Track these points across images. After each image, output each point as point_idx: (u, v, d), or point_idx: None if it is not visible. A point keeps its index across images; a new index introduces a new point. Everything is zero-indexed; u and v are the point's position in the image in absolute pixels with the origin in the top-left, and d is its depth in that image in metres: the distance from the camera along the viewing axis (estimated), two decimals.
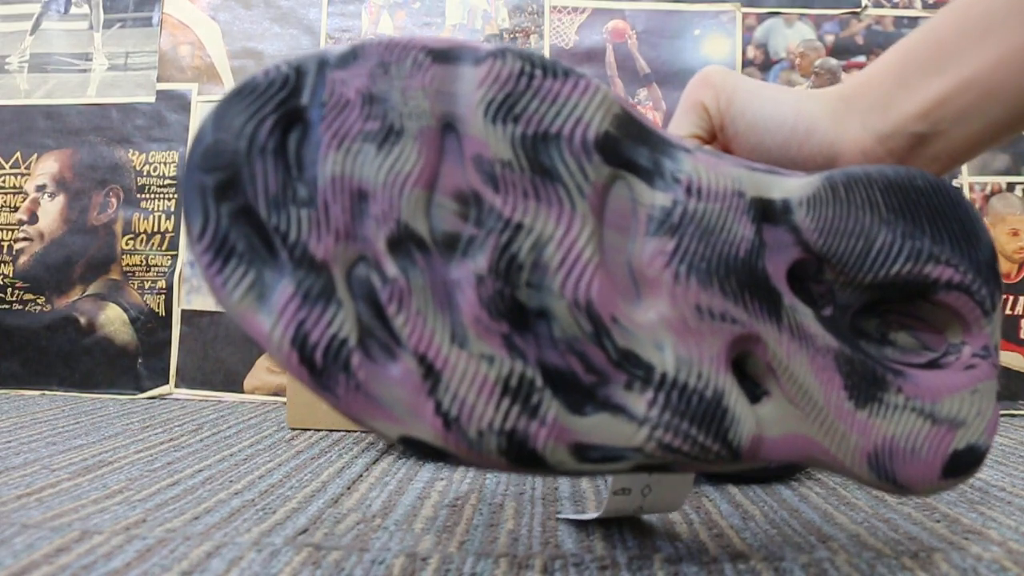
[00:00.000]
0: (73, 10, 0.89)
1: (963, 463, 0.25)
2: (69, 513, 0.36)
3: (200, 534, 0.33)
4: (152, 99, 0.87)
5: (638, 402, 0.23)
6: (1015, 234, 0.82)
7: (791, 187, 0.25)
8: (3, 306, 0.85)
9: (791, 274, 0.25)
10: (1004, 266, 0.82)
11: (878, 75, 0.28)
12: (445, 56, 0.24)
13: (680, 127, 0.31)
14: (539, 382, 0.23)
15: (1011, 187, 0.83)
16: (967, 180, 0.83)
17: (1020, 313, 0.81)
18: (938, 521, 0.38)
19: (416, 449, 0.23)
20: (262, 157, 0.23)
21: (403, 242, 0.23)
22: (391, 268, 0.23)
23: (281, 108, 0.23)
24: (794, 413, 0.24)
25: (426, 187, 0.23)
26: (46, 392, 0.82)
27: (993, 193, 0.83)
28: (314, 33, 0.87)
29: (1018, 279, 0.81)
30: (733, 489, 0.44)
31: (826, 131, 0.28)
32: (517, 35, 0.87)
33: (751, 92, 0.29)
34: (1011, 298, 0.81)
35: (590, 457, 0.23)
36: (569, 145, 0.23)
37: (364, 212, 0.23)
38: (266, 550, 0.31)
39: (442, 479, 0.45)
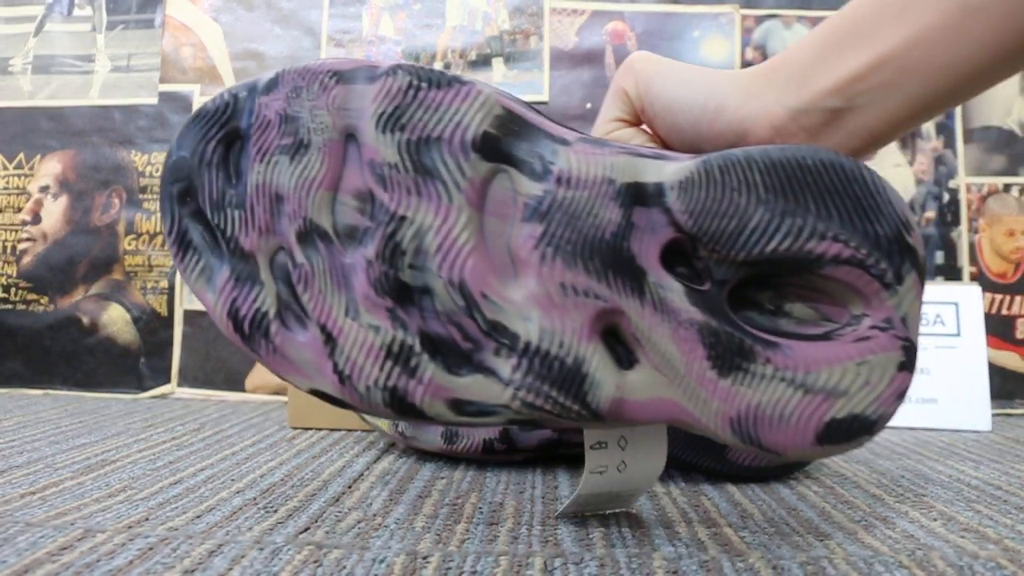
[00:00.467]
0: (76, 12, 0.89)
1: (843, 431, 0.26)
2: (72, 512, 0.36)
3: (202, 533, 0.33)
4: (154, 100, 0.87)
5: (504, 366, 0.27)
6: (1011, 234, 0.82)
7: (668, 171, 0.26)
8: (6, 306, 0.85)
9: (675, 251, 0.27)
10: (1000, 266, 0.82)
11: (796, 52, 0.27)
12: (346, 77, 0.28)
13: (607, 113, 0.32)
14: (417, 347, 0.27)
15: (1008, 188, 0.83)
16: (964, 181, 0.83)
17: (1017, 313, 0.81)
18: (935, 519, 0.38)
19: (323, 399, 0.29)
20: (209, 170, 0.29)
21: (309, 234, 0.28)
22: (299, 256, 0.28)
23: (223, 129, 0.29)
24: (660, 379, 0.27)
25: (329, 188, 0.28)
26: (49, 391, 0.82)
27: (990, 194, 0.83)
28: (315, 35, 0.88)
29: (1015, 279, 0.82)
30: (732, 488, 0.44)
31: (736, 108, 0.28)
32: (517, 36, 0.87)
33: (666, 75, 0.30)
34: (1008, 298, 0.81)
35: (467, 411, 0.27)
36: (448, 147, 0.27)
37: (280, 212, 0.28)
38: (268, 548, 0.31)
39: (442, 478, 0.45)
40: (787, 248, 0.26)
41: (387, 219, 0.27)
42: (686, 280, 0.27)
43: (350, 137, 0.28)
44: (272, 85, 0.29)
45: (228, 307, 0.29)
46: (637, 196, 0.26)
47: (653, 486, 0.33)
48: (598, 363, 0.27)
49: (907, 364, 0.26)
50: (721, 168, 0.26)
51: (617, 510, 0.34)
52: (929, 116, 0.27)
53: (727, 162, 0.26)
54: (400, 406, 0.28)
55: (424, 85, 0.27)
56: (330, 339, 0.28)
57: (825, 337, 0.26)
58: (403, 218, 0.27)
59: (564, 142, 0.27)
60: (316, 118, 0.28)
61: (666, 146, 0.31)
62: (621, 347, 0.27)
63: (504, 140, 0.27)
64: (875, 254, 0.25)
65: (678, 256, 0.27)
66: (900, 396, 0.26)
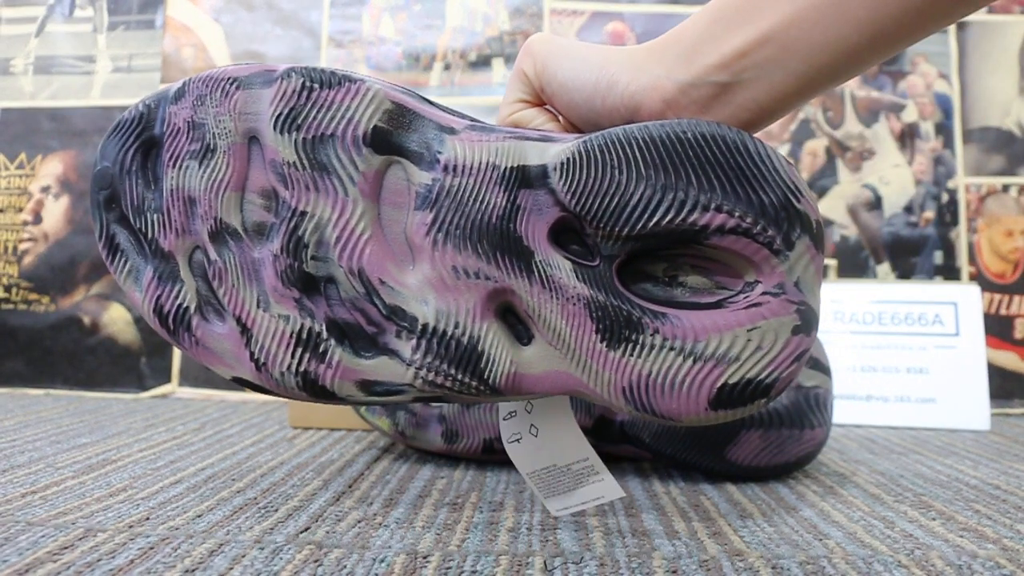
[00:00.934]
0: (77, 13, 0.90)
1: (736, 396, 0.26)
2: (73, 511, 0.36)
3: (203, 532, 0.33)
4: None
5: (406, 347, 0.28)
6: (1010, 235, 0.82)
7: (551, 153, 0.27)
8: (8, 306, 0.85)
9: (566, 230, 0.28)
10: (999, 266, 0.82)
11: (686, 28, 0.28)
12: (245, 82, 0.29)
13: (509, 95, 0.33)
14: (324, 334, 0.29)
15: (1006, 188, 0.83)
16: (963, 181, 0.83)
17: (1015, 313, 0.81)
18: (934, 519, 0.38)
19: (244, 386, 0.30)
20: (129, 177, 0.31)
21: (220, 233, 0.30)
22: (213, 254, 0.30)
23: (139, 138, 0.31)
24: (554, 353, 0.28)
25: (236, 189, 0.30)
26: (50, 391, 0.82)
27: (989, 194, 0.83)
28: (316, 35, 0.88)
29: (1013, 279, 0.82)
30: (731, 487, 0.44)
31: (627, 83, 0.28)
32: (517, 37, 0.87)
33: (562, 54, 0.30)
34: (1007, 298, 0.81)
35: (375, 391, 0.29)
36: (341, 143, 0.28)
37: (194, 213, 0.30)
38: (268, 548, 0.32)
39: (442, 478, 0.45)
40: (670, 221, 0.26)
41: (289, 215, 0.29)
42: (579, 257, 0.28)
43: (253, 139, 0.29)
44: (180, 94, 0.30)
45: (153, 304, 0.31)
46: (522, 179, 0.27)
47: (586, 453, 0.33)
48: (493, 340, 0.28)
49: (803, 327, 0.26)
50: (600, 147, 0.27)
51: (600, 498, 0.34)
52: (815, 92, 0.28)
53: (606, 141, 0.27)
54: (313, 389, 0.29)
55: (316, 86, 0.28)
56: (245, 330, 0.30)
57: (717, 305, 0.27)
58: (304, 213, 0.28)
59: (451, 131, 0.28)
60: (220, 123, 0.30)
61: (570, 125, 0.32)
62: (520, 325, 0.28)
63: (395, 133, 0.28)
64: (761, 221, 0.26)
65: (571, 234, 0.28)
66: (798, 359, 0.26)
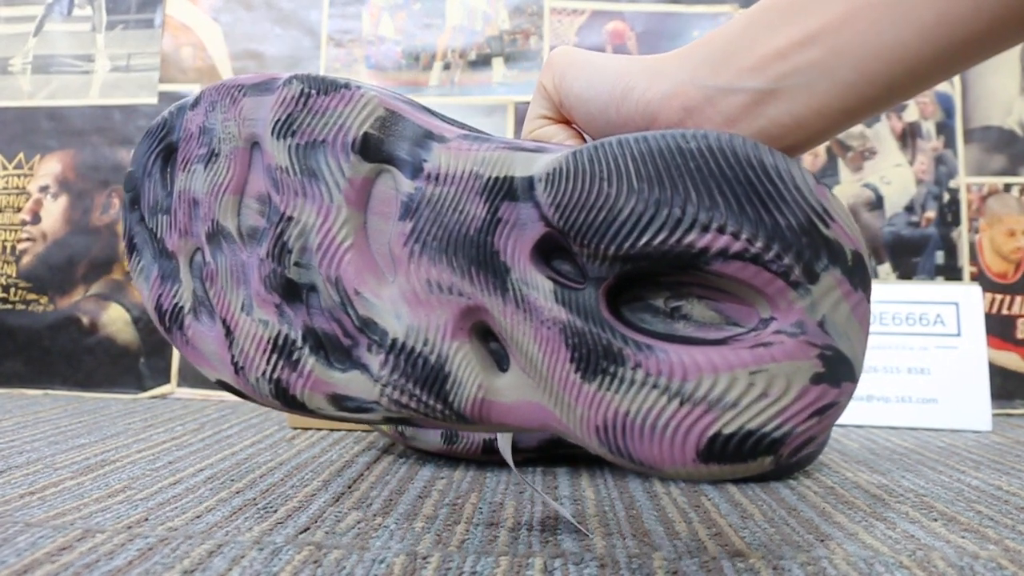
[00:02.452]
0: (76, 12, 0.89)
1: (733, 449, 0.23)
2: (71, 512, 0.36)
3: (202, 533, 0.33)
4: (154, 100, 0.87)
5: (375, 362, 0.27)
6: (1012, 234, 0.82)
7: (539, 164, 0.25)
8: (6, 306, 0.85)
9: (557, 248, 0.25)
10: (1001, 266, 0.82)
11: (720, 32, 0.25)
12: (252, 89, 0.30)
13: (532, 111, 0.31)
14: (299, 342, 0.28)
15: (1008, 188, 0.83)
16: (964, 181, 0.83)
17: (1017, 313, 0.81)
18: (935, 520, 0.38)
19: (226, 389, 0.30)
20: (150, 179, 0.33)
21: (215, 235, 0.30)
22: (208, 255, 0.30)
23: (161, 144, 0.32)
24: (527, 381, 0.26)
25: (235, 193, 0.30)
26: (49, 391, 0.82)
27: (990, 194, 0.83)
28: (315, 35, 0.88)
29: (1015, 279, 0.82)
30: (732, 488, 0.44)
31: (644, 89, 0.26)
32: (517, 36, 0.87)
33: (581, 65, 0.28)
34: (1008, 298, 0.81)
35: (346, 407, 0.28)
36: (331, 149, 0.28)
37: (196, 215, 0.31)
38: (267, 549, 0.31)
39: (442, 478, 0.45)
40: (662, 241, 0.23)
41: (277, 219, 0.29)
42: (568, 278, 0.25)
43: (255, 145, 0.30)
44: (196, 101, 0.31)
45: (155, 301, 0.32)
46: (507, 191, 0.25)
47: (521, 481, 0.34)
48: (462, 362, 0.26)
49: (827, 376, 0.22)
50: (591, 157, 0.24)
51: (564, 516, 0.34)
52: (862, 113, 0.24)
53: (599, 150, 0.24)
54: (284, 398, 0.29)
55: (313, 92, 0.28)
56: (229, 332, 0.30)
57: (720, 342, 0.23)
58: (290, 218, 0.28)
59: (441, 139, 0.27)
60: (226, 128, 0.30)
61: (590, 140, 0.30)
62: (501, 349, 0.26)
63: (386, 140, 0.28)
64: (775, 247, 0.22)
65: (562, 253, 0.25)
66: (819, 413, 0.22)
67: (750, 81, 0.24)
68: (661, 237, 0.23)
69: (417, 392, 0.26)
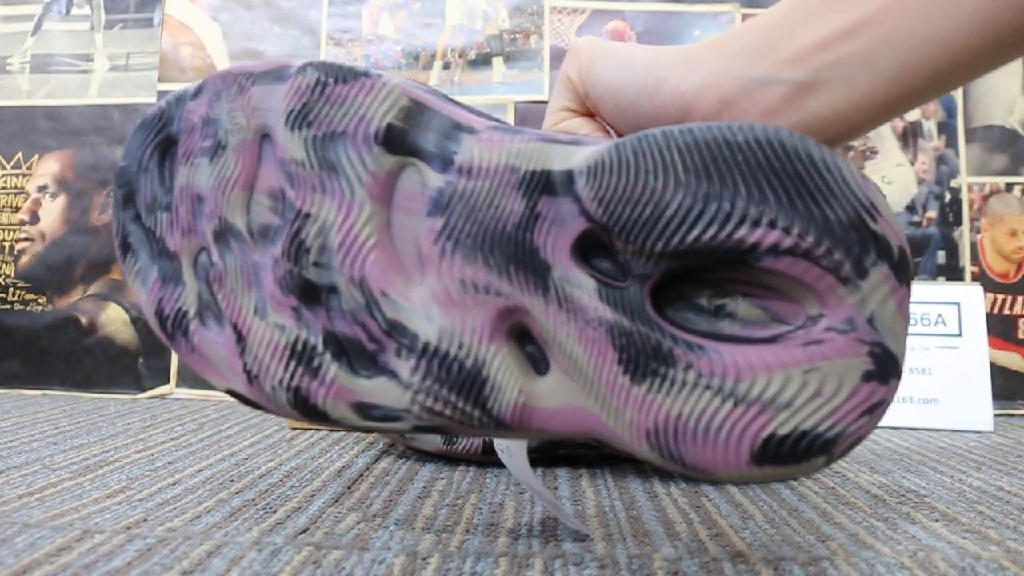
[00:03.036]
0: (74, 11, 0.89)
1: (788, 450, 0.22)
2: (70, 512, 0.36)
3: (201, 533, 0.33)
4: (153, 100, 0.87)
5: (404, 368, 0.25)
6: (1013, 234, 0.82)
7: (579, 157, 0.24)
8: (4, 306, 0.85)
9: (596, 245, 0.24)
10: (1002, 266, 0.82)
11: (758, 21, 0.24)
12: (262, 77, 0.28)
13: (554, 103, 0.30)
14: (320, 347, 0.26)
15: (1009, 187, 0.83)
16: (966, 180, 0.83)
17: (1019, 313, 0.81)
18: (936, 520, 0.38)
19: (238, 399, 0.28)
20: (146, 174, 0.30)
21: (224, 234, 0.28)
22: (215, 255, 0.28)
23: (158, 136, 0.30)
24: (570, 385, 0.24)
25: (244, 188, 0.28)
26: (47, 392, 0.82)
27: (992, 193, 0.83)
28: (314, 34, 0.88)
29: (1017, 279, 0.81)
30: (732, 488, 0.44)
31: (678, 80, 0.25)
32: (517, 35, 0.87)
33: (609, 56, 0.27)
34: (1010, 298, 0.81)
35: (373, 416, 0.26)
36: (352, 141, 0.26)
37: (200, 212, 0.29)
38: (267, 549, 0.31)
39: (442, 478, 0.45)
40: (712, 237, 0.22)
41: (293, 216, 0.27)
42: (609, 276, 0.24)
43: (265, 137, 0.28)
44: (198, 91, 0.29)
45: (155, 306, 0.29)
46: (545, 185, 0.24)
47: (537, 489, 0.33)
48: (500, 365, 0.25)
49: (876, 374, 0.22)
50: (635, 149, 0.23)
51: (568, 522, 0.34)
52: (904, 105, 0.23)
53: (643, 142, 0.23)
54: (304, 407, 0.27)
55: (331, 81, 0.26)
56: (241, 338, 0.27)
57: (770, 341, 0.23)
58: (308, 215, 0.26)
59: (471, 131, 0.25)
60: (233, 120, 0.28)
61: (618, 135, 0.29)
62: (538, 352, 0.25)
63: (411, 132, 0.26)
64: (825, 242, 0.22)
65: (601, 250, 0.24)
66: (870, 412, 0.22)
67: (789, 72, 0.23)
68: (711, 232, 0.22)
69: (452, 399, 0.25)
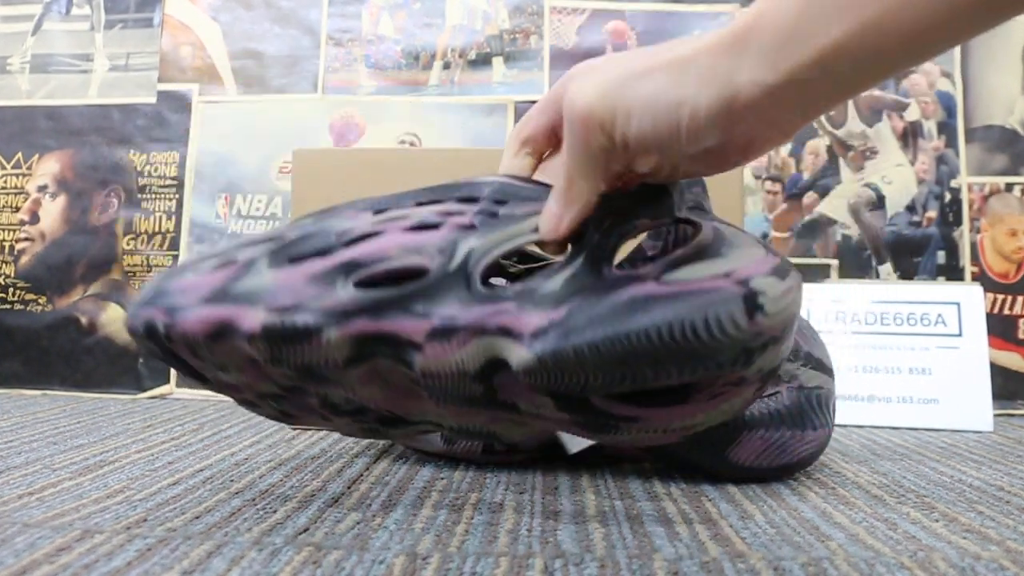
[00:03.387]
0: (74, 11, 0.89)
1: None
2: (70, 512, 0.36)
3: (201, 533, 0.33)
4: (153, 100, 0.87)
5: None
6: (1013, 234, 0.82)
7: (515, 358, 0.28)
8: (4, 306, 0.85)
9: None
10: (1002, 266, 0.82)
11: (771, 15, 0.24)
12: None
13: (512, 146, 0.33)
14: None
15: (1009, 187, 0.83)
16: (966, 180, 0.83)
17: (1018, 313, 0.81)
18: (936, 520, 0.38)
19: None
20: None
21: (263, 397, 0.33)
22: (266, 402, 0.34)
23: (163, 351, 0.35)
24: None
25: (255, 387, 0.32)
26: (47, 392, 0.82)
27: (992, 193, 0.83)
28: (314, 34, 0.88)
29: (1016, 279, 0.81)
30: (732, 488, 0.44)
31: (694, 103, 0.25)
32: (517, 35, 0.87)
33: (638, 101, 0.26)
34: (1010, 298, 0.81)
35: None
36: (325, 366, 0.30)
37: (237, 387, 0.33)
38: (267, 549, 0.31)
39: (442, 479, 0.45)
40: (630, 389, 0.28)
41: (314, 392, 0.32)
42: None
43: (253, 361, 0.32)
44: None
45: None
46: (495, 366, 0.29)
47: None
48: (502, 428, 0.33)
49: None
50: (555, 360, 0.28)
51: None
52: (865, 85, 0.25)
53: (562, 355, 0.28)
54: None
55: (281, 342, 0.30)
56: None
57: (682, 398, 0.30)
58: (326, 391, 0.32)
59: (417, 347, 0.29)
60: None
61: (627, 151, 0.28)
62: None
63: (366, 354, 0.30)
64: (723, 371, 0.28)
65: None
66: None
67: (809, 74, 0.23)
68: (626, 387, 0.28)
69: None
